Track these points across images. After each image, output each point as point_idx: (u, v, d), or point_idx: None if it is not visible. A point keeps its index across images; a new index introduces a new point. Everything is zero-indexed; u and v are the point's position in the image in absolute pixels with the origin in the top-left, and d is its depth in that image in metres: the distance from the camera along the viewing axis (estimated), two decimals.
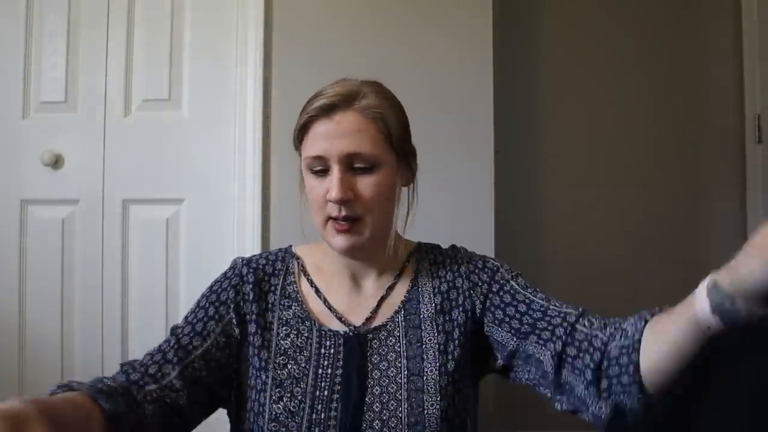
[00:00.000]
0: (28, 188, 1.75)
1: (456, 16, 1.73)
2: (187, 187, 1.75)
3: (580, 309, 0.80)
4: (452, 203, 1.70)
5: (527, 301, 0.84)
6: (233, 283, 0.89)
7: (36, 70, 1.76)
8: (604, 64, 2.18)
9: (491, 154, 1.72)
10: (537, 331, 0.80)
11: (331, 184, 0.82)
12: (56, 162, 1.73)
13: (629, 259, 2.14)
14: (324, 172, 0.84)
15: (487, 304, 0.87)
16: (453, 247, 0.97)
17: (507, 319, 0.84)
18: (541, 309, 0.82)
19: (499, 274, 0.89)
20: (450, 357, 0.84)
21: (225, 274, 0.91)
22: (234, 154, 1.71)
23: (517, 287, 0.87)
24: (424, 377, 0.83)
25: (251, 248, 1.67)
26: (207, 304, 0.87)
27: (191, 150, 1.75)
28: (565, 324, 0.78)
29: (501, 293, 0.87)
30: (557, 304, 0.83)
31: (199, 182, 1.74)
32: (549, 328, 0.79)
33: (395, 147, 0.86)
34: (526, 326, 0.82)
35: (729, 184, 2.15)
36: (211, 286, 0.90)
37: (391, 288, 0.90)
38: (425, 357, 0.84)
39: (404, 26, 1.73)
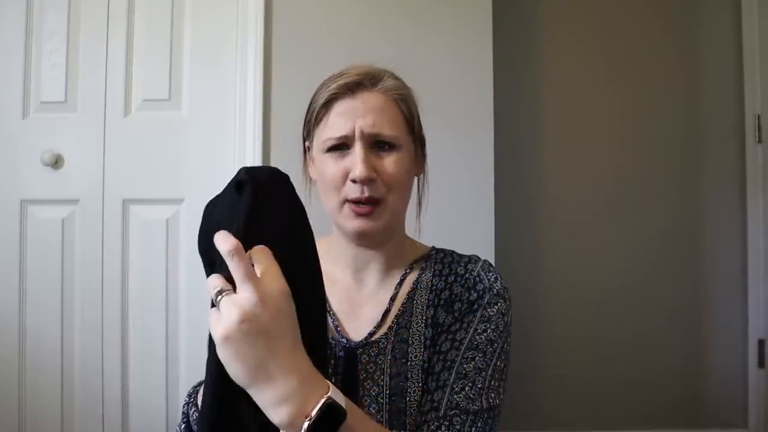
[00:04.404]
0: (28, 188, 1.74)
1: (456, 17, 1.73)
2: (187, 187, 1.74)
3: (457, 410, 0.74)
4: (452, 203, 1.69)
5: (450, 363, 0.77)
6: None
7: (36, 70, 1.76)
8: (604, 65, 2.18)
9: (491, 155, 1.72)
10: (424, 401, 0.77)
11: (354, 163, 0.79)
12: (56, 162, 1.73)
13: (629, 258, 2.14)
14: (343, 151, 0.81)
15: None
16: (469, 262, 0.87)
17: (435, 361, 0.79)
18: (439, 386, 0.76)
19: (480, 313, 0.81)
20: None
21: None
22: (234, 154, 1.71)
23: (465, 344, 0.78)
24: (407, 398, 0.78)
25: None
26: None
27: (191, 150, 1.75)
28: (431, 415, 0.74)
29: (458, 335, 0.80)
30: (459, 389, 0.75)
31: (199, 182, 1.74)
32: (425, 407, 0.75)
33: (414, 131, 0.86)
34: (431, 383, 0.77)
35: (729, 184, 2.16)
36: None
37: (392, 299, 0.85)
38: (409, 375, 0.79)
39: (404, 27, 1.73)
